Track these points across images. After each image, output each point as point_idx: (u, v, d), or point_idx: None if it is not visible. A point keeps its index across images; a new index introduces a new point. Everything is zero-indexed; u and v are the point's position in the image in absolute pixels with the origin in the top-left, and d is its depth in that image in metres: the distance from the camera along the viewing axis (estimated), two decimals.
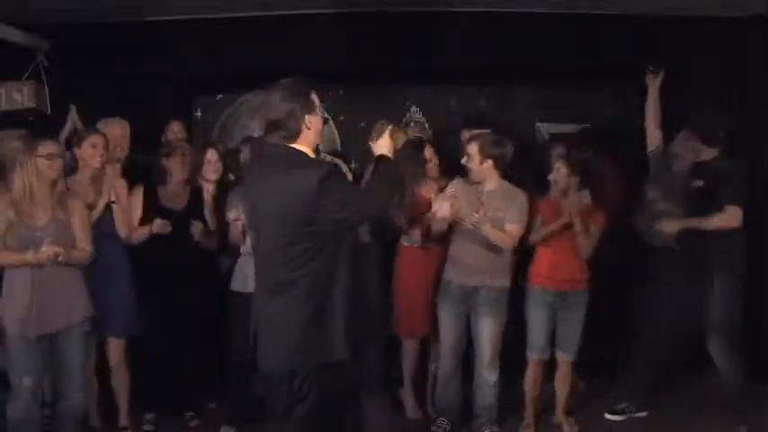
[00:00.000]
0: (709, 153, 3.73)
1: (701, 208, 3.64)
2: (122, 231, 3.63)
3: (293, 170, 2.32)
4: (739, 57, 4.43)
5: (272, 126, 2.37)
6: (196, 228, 3.68)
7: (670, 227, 3.67)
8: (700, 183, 3.70)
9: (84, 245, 3.18)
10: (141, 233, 3.66)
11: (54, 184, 3.11)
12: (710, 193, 3.63)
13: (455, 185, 3.64)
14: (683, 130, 4.01)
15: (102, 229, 3.47)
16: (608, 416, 3.90)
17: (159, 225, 3.60)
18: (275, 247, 2.32)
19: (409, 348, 3.99)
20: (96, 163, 3.55)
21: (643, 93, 4.14)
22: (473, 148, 3.56)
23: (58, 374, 3.20)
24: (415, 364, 4.01)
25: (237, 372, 3.72)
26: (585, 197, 3.72)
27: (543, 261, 3.63)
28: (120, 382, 3.68)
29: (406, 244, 3.91)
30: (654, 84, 4.02)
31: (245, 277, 3.60)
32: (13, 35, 4.26)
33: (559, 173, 3.64)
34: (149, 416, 3.79)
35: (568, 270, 3.59)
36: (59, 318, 3.09)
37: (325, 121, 4.20)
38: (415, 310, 3.87)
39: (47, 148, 3.07)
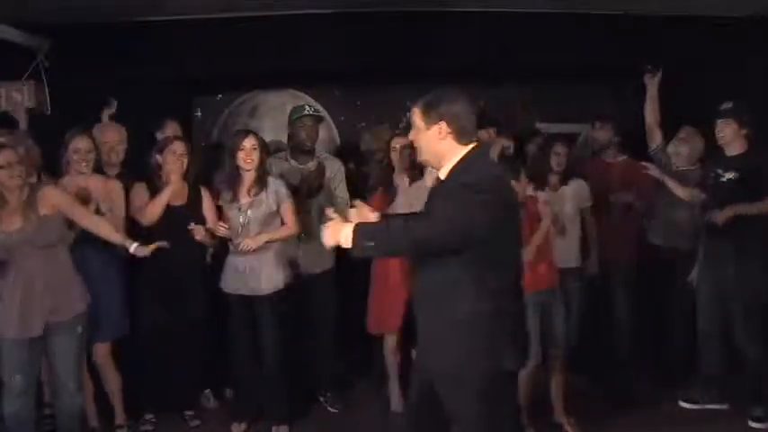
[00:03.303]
0: (739, 147, 3.74)
1: (733, 198, 3.66)
2: (116, 239, 3.42)
3: None
4: (739, 57, 4.43)
5: None
6: (198, 230, 3.62)
7: (723, 216, 3.64)
8: (731, 175, 3.71)
9: (104, 229, 3.23)
10: (154, 210, 3.59)
11: (20, 189, 3.06)
12: (743, 184, 3.66)
13: None
14: (682, 129, 4.03)
15: (88, 236, 3.38)
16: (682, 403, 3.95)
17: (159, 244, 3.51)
18: None
19: (390, 342, 4.01)
20: (82, 168, 3.51)
21: (643, 92, 4.14)
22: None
23: (54, 374, 3.19)
24: (398, 358, 4.03)
25: (244, 371, 3.77)
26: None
27: (528, 265, 3.49)
28: (110, 381, 3.65)
29: None
30: (652, 83, 4.04)
31: (235, 278, 3.62)
32: (13, 35, 4.26)
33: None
34: (149, 416, 3.79)
35: (552, 265, 3.58)
36: (48, 318, 3.08)
37: (321, 119, 4.23)
38: (387, 304, 3.89)
39: (4, 157, 3.01)
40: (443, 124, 2.34)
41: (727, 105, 3.76)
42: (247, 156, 3.59)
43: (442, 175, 2.40)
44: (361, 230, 2.27)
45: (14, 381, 3.04)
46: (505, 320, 2.32)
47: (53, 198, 3.13)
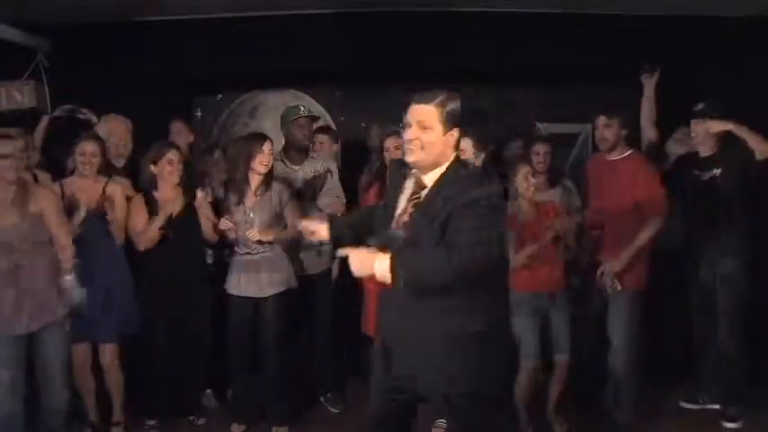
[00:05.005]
0: (712, 146, 3.77)
1: (718, 195, 3.72)
2: (119, 238, 3.57)
3: None
4: (739, 57, 4.43)
5: None
6: (201, 196, 3.69)
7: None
8: (712, 173, 3.75)
9: (62, 241, 3.16)
10: (150, 236, 3.61)
11: (14, 183, 3.07)
12: (726, 180, 3.71)
13: None
14: (678, 129, 4.02)
15: (93, 236, 3.43)
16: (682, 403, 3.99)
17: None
18: None
19: None
20: (85, 170, 3.53)
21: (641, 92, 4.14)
22: None
23: (40, 374, 3.18)
24: None
25: (242, 372, 3.77)
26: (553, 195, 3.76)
27: (528, 266, 3.50)
28: (113, 381, 3.65)
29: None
30: (649, 83, 4.04)
31: (240, 280, 3.64)
32: (13, 35, 4.26)
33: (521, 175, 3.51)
34: (151, 422, 3.77)
35: (554, 269, 3.55)
36: (39, 315, 3.09)
37: (316, 119, 4.22)
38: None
39: (6, 147, 3.03)
40: (456, 132, 2.26)
41: (702, 106, 3.78)
42: (265, 159, 3.62)
43: (429, 181, 2.29)
44: (399, 263, 2.17)
45: (2, 377, 3.00)
46: (496, 340, 2.27)
47: (44, 200, 3.15)
